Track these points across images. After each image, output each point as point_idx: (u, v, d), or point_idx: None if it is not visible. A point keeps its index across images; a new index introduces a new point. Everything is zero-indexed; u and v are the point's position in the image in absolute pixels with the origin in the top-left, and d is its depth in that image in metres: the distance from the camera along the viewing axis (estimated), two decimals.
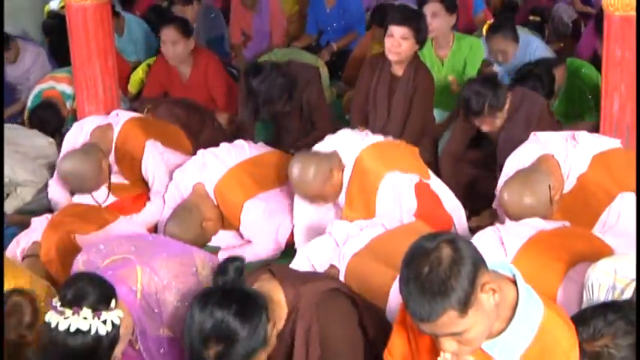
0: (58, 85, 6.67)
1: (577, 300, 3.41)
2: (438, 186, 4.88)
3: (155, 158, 5.29)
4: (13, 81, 7.47)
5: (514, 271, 2.78)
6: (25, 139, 5.78)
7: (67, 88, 6.51)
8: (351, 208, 4.69)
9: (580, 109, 6.09)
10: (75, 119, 5.86)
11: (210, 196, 4.97)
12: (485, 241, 3.78)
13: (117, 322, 3.10)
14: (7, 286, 3.39)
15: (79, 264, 3.61)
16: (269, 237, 4.95)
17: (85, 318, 3.01)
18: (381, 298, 3.74)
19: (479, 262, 2.57)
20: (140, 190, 5.41)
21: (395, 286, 3.74)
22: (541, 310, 2.72)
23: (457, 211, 4.82)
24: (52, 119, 6.40)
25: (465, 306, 2.50)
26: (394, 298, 3.71)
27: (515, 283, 2.75)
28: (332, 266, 3.98)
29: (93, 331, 3.02)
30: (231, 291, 2.94)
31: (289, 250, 4.80)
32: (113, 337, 3.09)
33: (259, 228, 4.92)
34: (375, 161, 4.69)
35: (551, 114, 5.42)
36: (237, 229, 5.02)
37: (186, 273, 3.50)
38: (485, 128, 5.17)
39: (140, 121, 5.46)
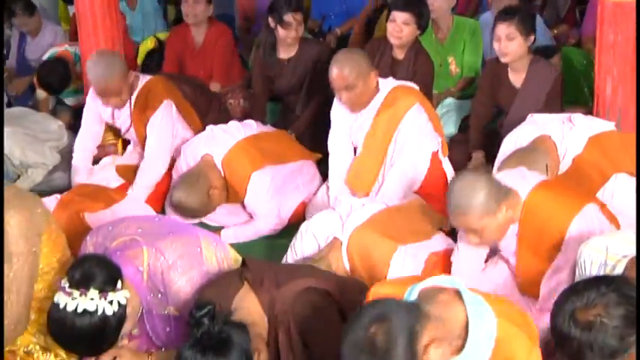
0: (71, 47, 6.68)
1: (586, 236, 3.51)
2: (448, 168, 5.00)
3: (165, 119, 5.28)
4: (31, 56, 7.37)
5: (458, 285, 2.80)
6: (35, 123, 5.78)
7: (80, 51, 6.33)
8: (373, 134, 4.79)
9: (574, 96, 6.06)
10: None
11: (217, 167, 4.96)
12: (509, 174, 3.89)
13: (123, 302, 3.21)
14: (49, 241, 3.52)
15: (88, 245, 3.67)
16: (272, 212, 4.99)
17: (92, 299, 3.12)
18: (382, 267, 3.94)
19: (414, 326, 2.58)
20: None
21: (395, 257, 3.95)
22: (494, 321, 2.75)
23: None
24: (59, 70, 6.44)
25: None
26: (395, 268, 3.93)
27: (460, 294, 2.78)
28: (335, 239, 4.09)
29: (100, 312, 3.13)
30: (210, 341, 2.90)
31: (291, 228, 4.78)
32: (120, 317, 3.19)
33: (264, 202, 4.96)
34: (409, 95, 4.81)
35: (561, 93, 5.44)
36: (242, 202, 5.02)
37: (191, 253, 3.54)
38: (506, 47, 5.07)
39: (167, 82, 5.45)
